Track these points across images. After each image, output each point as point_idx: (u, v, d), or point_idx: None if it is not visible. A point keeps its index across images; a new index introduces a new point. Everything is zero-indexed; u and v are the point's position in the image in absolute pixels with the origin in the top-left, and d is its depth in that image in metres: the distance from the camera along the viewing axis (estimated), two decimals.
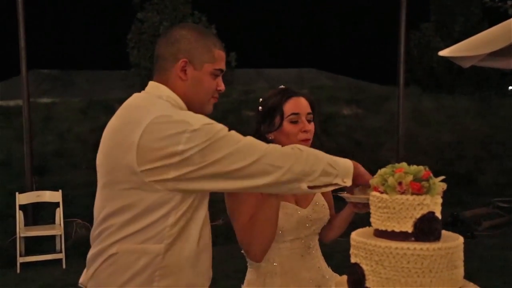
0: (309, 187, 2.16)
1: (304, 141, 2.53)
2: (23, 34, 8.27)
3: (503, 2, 9.25)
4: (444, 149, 11.10)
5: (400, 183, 2.04)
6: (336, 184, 2.24)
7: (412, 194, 2.03)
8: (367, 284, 2.05)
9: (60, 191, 8.04)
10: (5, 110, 12.10)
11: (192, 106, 2.23)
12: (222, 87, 2.30)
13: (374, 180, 2.14)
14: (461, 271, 2.08)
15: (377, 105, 12.28)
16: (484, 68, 11.84)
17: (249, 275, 2.68)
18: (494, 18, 8.98)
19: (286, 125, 2.57)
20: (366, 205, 2.31)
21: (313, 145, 2.60)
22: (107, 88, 17.43)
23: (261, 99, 2.77)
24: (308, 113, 2.59)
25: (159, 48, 2.26)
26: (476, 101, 13.59)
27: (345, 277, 2.27)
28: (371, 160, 9.67)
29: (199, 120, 2.06)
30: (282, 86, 2.74)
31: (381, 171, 2.14)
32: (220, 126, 2.10)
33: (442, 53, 7.79)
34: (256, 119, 2.74)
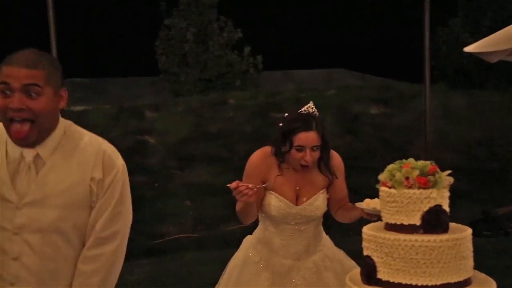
0: None
1: (303, 166, 3.12)
2: (54, 45, 8.28)
3: None
4: (475, 146, 10.98)
5: (407, 178, 2.13)
6: None
7: (419, 188, 2.12)
8: (378, 276, 2.14)
9: None
10: None
11: None
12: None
13: (383, 176, 2.24)
14: (470, 262, 2.17)
15: (405, 103, 12.17)
16: None
17: (257, 230, 3.37)
18: None
19: (293, 151, 3.08)
20: (376, 216, 2.66)
21: (323, 158, 3.21)
22: (137, 94, 17.47)
23: (285, 115, 3.26)
24: (313, 146, 3.08)
25: None
26: (507, 97, 13.43)
27: (357, 270, 2.39)
28: (400, 159, 9.62)
29: None
30: (305, 108, 3.19)
31: (389, 166, 2.23)
32: None
33: (468, 49, 7.74)
34: (276, 131, 3.20)
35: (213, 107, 12.59)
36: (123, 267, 7.05)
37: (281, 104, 12.18)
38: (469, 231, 2.17)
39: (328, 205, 3.28)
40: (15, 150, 2.16)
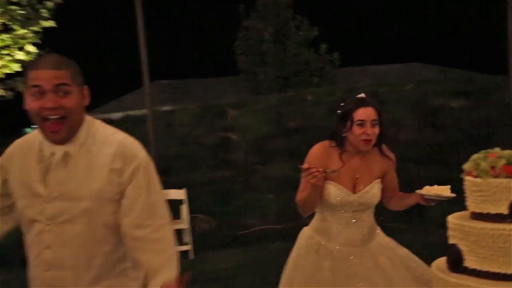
0: None
1: (365, 141, 3.13)
2: (144, 50, 8.36)
3: None
4: None
5: (493, 167, 2.13)
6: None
7: (506, 177, 2.11)
8: (465, 264, 2.16)
9: (185, 189, 8.13)
10: (132, 119, 12.56)
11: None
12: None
13: (467, 165, 2.27)
14: None
15: (488, 96, 11.82)
16: None
17: (314, 220, 3.39)
18: None
19: (355, 128, 3.11)
20: (436, 202, 2.82)
21: (380, 141, 3.26)
22: (219, 93, 17.75)
23: (341, 104, 3.28)
24: (373, 120, 3.11)
25: None
26: None
27: (443, 258, 2.40)
28: None
29: None
30: (359, 95, 3.24)
31: (474, 156, 2.26)
32: None
33: None
34: (335, 120, 3.27)
35: (291, 104, 12.48)
36: (210, 256, 7.47)
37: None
38: None
39: (383, 194, 3.30)
40: (47, 149, 2.25)
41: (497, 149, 2.25)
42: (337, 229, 3.27)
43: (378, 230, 3.38)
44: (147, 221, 2.24)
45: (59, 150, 2.24)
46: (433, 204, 2.93)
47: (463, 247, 2.18)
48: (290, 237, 3.76)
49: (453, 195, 2.78)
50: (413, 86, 13.25)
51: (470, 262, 2.16)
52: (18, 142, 2.42)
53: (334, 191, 3.19)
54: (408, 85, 13.48)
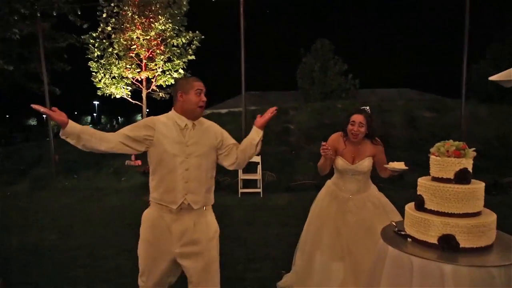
0: None
1: (353, 135, 3.07)
2: (244, 72, 8.46)
3: None
4: (492, 139, 9.89)
5: (447, 151, 2.07)
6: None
7: (455, 157, 2.05)
8: (425, 206, 2.08)
9: (260, 156, 7.96)
10: (232, 114, 12.68)
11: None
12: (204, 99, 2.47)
13: (433, 149, 2.15)
14: (481, 202, 2.06)
15: (448, 111, 11.19)
16: None
17: (333, 178, 3.30)
18: None
19: (349, 126, 3.08)
20: (396, 172, 2.80)
21: (369, 136, 3.11)
22: (284, 100, 17.45)
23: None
24: (360, 122, 3.04)
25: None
26: None
27: (412, 203, 2.26)
28: None
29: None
30: (362, 107, 3.18)
31: (437, 144, 2.14)
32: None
33: (491, 78, 7.07)
34: (345, 120, 3.16)
35: (328, 110, 12.23)
36: (272, 196, 7.29)
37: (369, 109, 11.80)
38: (482, 184, 2.08)
39: (376, 168, 3.19)
40: (182, 122, 2.44)
41: (451, 141, 2.14)
42: (342, 183, 3.23)
43: (373, 187, 3.25)
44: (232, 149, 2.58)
45: (190, 122, 2.46)
46: (395, 174, 2.90)
47: (425, 196, 2.10)
48: (320, 188, 3.67)
49: (406, 168, 2.76)
50: (403, 103, 12.77)
51: (428, 205, 2.09)
52: (154, 117, 2.51)
53: (340, 162, 3.17)
54: (400, 101, 13.00)
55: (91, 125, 21.31)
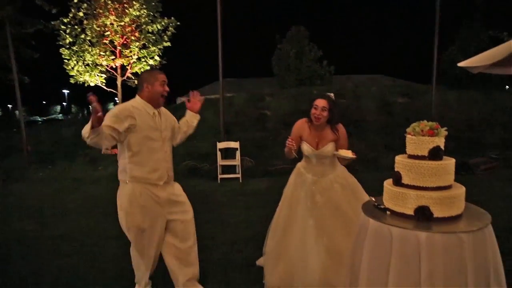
0: None
1: (315, 118, 3.15)
2: (221, 60, 8.30)
3: (501, 33, 8.70)
4: (460, 123, 10.35)
5: (422, 130, 2.20)
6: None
7: (428, 136, 2.19)
8: (402, 181, 2.22)
9: (238, 142, 8.15)
10: (209, 101, 12.91)
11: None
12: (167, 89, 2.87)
13: (409, 129, 2.27)
14: (452, 176, 2.22)
15: (419, 96, 11.54)
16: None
17: (301, 161, 3.39)
18: (496, 43, 8.44)
19: (312, 109, 3.16)
20: (344, 160, 3.03)
21: (330, 122, 3.17)
22: (260, 87, 17.44)
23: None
24: (323, 107, 3.12)
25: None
26: (482, 95, 12.46)
27: (390, 179, 2.37)
28: None
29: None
30: (328, 94, 3.35)
31: (413, 124, 2.27)
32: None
33: (460, 64, 7.38)
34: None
35: (303, 96, 12.32)
36: (251, 181, 7.38)
37: (344, 94, 11.98)
38: (453, 160, 2.22)
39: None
40: (150, 110, 2.82)
41: (425, 121, 2.26)
42: (310, 166, 3.30)
43: (340, 168, 3.32)
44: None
45: (156, 110, 2.86)
46: (346, 162, 3.17)
47: (402, 172, 2.22)
48: None
49: (353, 156, 2.99)
50: (377, 89, 13.03)
51: (405, 180, 2.20)
52: (127, 105, 2.82)
53: (305, 147, 3.24)
54: (374, 87, 13.26)
55: (60, 115, 20.67)
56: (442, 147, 2.21)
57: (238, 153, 8.12)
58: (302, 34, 18.22)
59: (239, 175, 7.92)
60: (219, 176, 7.86)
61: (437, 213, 2.06)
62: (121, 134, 2.68)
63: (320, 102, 3.13)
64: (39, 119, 19.66)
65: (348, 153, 3.01)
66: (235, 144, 8.19)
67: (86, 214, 5.77)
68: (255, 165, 8.62)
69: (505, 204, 5.58)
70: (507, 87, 18.21)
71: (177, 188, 3.03)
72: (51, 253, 4.25)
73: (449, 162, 2.18)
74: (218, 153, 8.05)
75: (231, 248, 4.28)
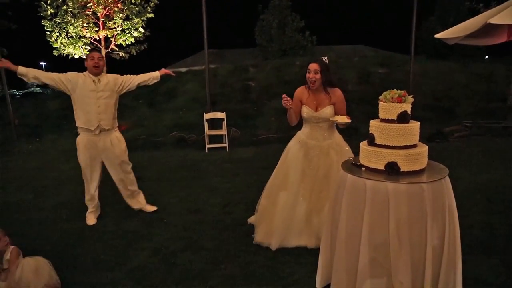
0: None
1: (311, 82, 3.32)
2: (206, 31, 8.20)
3: (477, 5, 8.94)
4: (438, 93, 10.73)
5: (392, 97, 2.45)
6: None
7: (398, 102, 2.43)
8: (375, 142, 2.48)
9: (224, 112, 8.31)
10: (193, 72, 12.53)
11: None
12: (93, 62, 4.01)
13: (381, 96, 2.51)
14: (417, 137, 2.47)
15: (399, 66, 11.92)
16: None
17: (302, 128, 3.54)
18: (474, 14, 8.68)
19: (307, 74, 3.32)
20: (340, 125, 3.21)
21: (324, 85, 3.32)
22: (244, 58, 17.43)
23: None
24: (315, 69, 3.28)
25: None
26: (459, 65, 12.89)
27: (366, 140, 2.62)
28: None
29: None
30: (321, 58, 3.41)
31: (385, 92, 2.52)
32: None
33: (437, 35, 7.66)
34: None
35: (287, 66, 12.45)
36: (238, 150, 7.69)
37: (327, 59, 12.15)
38: (417, 123, 2.46)
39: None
40: (92, 77, 4.01)
41: (395, 90, 2.48)
42: (309, 131, 3.48)
43: (338, 136, 3.51)
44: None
45: (96, 77, 4.02)
46: (342, 126, 3.33)
47: (375, 134, 2.44)
48: (283, 141, 4.00)
49: (348, 121, 3.21)
50: (358, 59, 13.25)
51: (378, 140, 2.43)
52: (73, 74, 3.98)
53: (305, 110, 3.41)
54: (356, 58, 13.47)
55: (39, 88, 20.31)
56: (409, 112, 2.48)
57: (224, 124, 8.33)
58: (284, 4, 18.11)
59: (226, 145, 8.14)
60: (207, 146, 8.06)
61: (403, 167, 2.39)
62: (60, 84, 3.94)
63: (313, 66, 3.30)
64: (17, 93, 19.30)
65: (343, 119, 3.19)
66: (221, 115, 8.35)
67: (80, 183, 5.91)
68: (241, 135, 8.86)
69: (468, 169, 6.07)
70: (486, 57, 18.69)
71: (113, 137, 4.14)
72: (53, 220, 4.48)
73: (415, 125, 2.47)
74: (205, 124, 8.22)
75: (222, 211, 4.63)
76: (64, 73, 3.97)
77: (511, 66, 10.28)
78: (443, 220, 2.36)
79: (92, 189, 4.30)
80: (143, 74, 4.31)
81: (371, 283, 2.36)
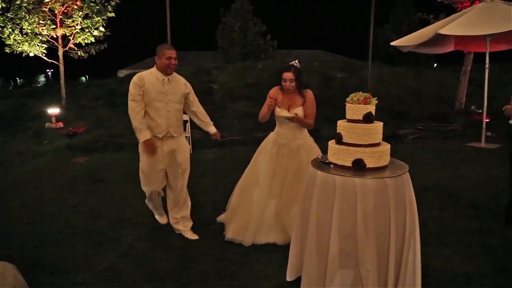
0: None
1: (286, 89, 3.54)
2: (169, 33, 8.34)
3: (428, 15, 9.51)
4: (392, 97, 11.32)
5: (358, 99, 2.62)
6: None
7: (363, 104, 2.60)
8: (343, 140, 2.63)
9: (188, 114, 8.42)
10: None
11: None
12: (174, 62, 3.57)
13: (348, 98, 2.67)
14: (380, 136, 2.66)
15: (357, 72, 12.34)
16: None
17: (275, 129, 3.69)
18: (425, 24, 9.24)
19: (282, 82, 3.54)
20: (287, 120, 3.43)
21: (299, 89, 3.54)
22: (206, 60, 17.39)
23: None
24: (290, 79, 3.50)
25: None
26: (412, 71, 13.57)
27: (334, 140, 2.76)
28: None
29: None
30: (291, 63, 3.58)
31: (351, 94, 2.69)
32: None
33: (392, 43, 8.18)
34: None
35: (249, 69, 12.58)
36: (202, 152, 7.64)
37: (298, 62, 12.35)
38: (381, 123, 2.65)
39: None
40: (160, 77, 3.61)
41: (361, 92, 2.66)
42: (281, 131, 3.64)
43: (308, 137, 3.67)
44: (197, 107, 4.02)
45: (166, 77, 3.65)
46: (302, 125, 3.54)
47: (342, 133, 2.61)
48: (247, 143, 4.14)
49: (291, 115, 3.46)
50: (318, 64, 13.57)
51: (345, 139, 2.60)
52: (142, 75, 3.63)
53: (278, 109, 3.58)
54: (316, 62, 13.80)
55: None
56: (373, 113, 2.68)
57: (188, 125, 8.20)
58: (246, 8, 18.31)
59: (190, 147, 8.09)
60: None
61: (369, 164, 2.58)
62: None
63: (287, 75, 3.49)
64: None
65: (286, 113, 3.48)
66: (185, 117, 7.99)
67: (40, 185, 5.77)
68: (204, 137, 8.72)
69: (423, 168, 6.49)
70: (435, 65, 19.90)
71: (179, 144, 3.84)
72: (14, 222, 4.32)
73: (378, 125, 2.68)
74: None
75: (191, 211, 4.66)
76: (134, 89, 3.57)
77: (458, 74, 10.98)
78: (404, 211, 2.58)
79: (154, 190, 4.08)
80: (204, 112, 4.11)
81: (341, 273, 2.53)
